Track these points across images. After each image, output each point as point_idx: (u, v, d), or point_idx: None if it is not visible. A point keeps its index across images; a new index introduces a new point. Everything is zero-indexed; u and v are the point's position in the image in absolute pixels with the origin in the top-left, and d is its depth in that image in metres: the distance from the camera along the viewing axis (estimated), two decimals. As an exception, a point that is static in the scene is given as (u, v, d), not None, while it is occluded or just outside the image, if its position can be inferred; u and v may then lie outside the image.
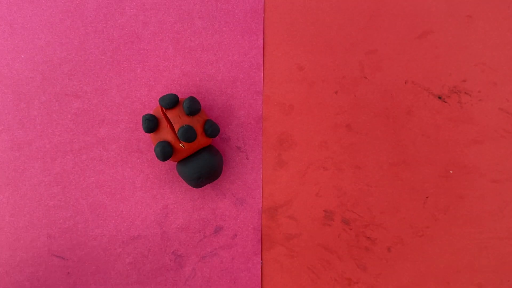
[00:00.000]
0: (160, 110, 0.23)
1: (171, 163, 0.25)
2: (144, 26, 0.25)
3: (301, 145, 0.25)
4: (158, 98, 0.22)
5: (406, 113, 0.25)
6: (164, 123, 0.22)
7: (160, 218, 0.25)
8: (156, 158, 0.25)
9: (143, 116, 0.22)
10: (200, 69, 0.25)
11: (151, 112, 0.24)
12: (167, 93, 0.24)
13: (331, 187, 0.25)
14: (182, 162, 0.23)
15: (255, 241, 0.25)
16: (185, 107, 0.22)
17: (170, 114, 0.22)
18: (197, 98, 0.25)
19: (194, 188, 0.25)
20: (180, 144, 0.22)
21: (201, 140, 0.23)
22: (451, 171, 0.25)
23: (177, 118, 0.22)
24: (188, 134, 0.22)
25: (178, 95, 0.24)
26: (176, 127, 0.22)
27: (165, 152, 0.22)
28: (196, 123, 0.23)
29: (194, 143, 0.23)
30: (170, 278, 0.24)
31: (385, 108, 0.25)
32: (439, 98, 0.25)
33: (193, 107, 0.22)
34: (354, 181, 0.25)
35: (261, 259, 0.25)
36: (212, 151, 0.23)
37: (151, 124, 0.22)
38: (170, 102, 0.22)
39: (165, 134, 0.22)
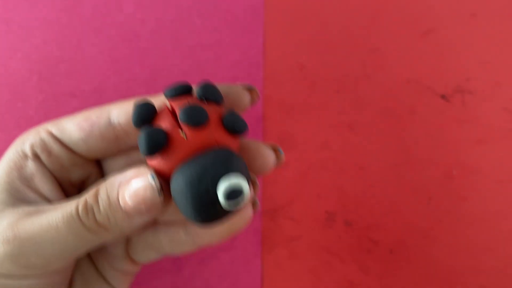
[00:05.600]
0: (164, 104, 0.16)
1: None
2: (142, 25, 0.25)
3: (302, 145, 0.25)
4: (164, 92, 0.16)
5: (409, 112, 0.25)
6: (164, 113, 0.15)
7: (158, 220, 0.25)
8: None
9: (134, 103, 0.16)
10: (199, 68, 0.25)
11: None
12: None
13: (332, 188, 0.25)
14: (181, 169, 0.14)
15: (255, 243, 0.24)
16: (197, 92, 0.15)
17: (176, 101, 0.15)
18: None
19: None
20: (180, 132, 0.14)
21: (214, 130, 0.14)
22: (454, 172, 0.25)
23: (185, 102, 0.15)
24: (194, 111, 0.14)
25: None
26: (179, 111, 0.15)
27: (153, 139, 0.14)
28: (212, 112, 0.15)
29: (204, 132, 0.14)
30: (169, 281, 0.24)
31: (388, 108, 0.25)
32: (443, 97, 0.25)
33: (210, 91, 0.15)
34: (356, 182, 0.25)
35: (261, 262, 0.25)
36: (235, 153, 0.14)
37: (143, 109, 0.15)
38: (180, 88, 0.16)
39: (161, 122, 0.15)
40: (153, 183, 0.14)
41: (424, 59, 0.25)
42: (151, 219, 0.15)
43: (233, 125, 0.15)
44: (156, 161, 0.14)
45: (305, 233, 0.25)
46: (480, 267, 0.24)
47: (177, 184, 0.13)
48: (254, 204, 0.18)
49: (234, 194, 0.13)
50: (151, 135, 0.14)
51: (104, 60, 0.25)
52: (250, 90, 0.17)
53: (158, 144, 0.14)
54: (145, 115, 0.15)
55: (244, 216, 0.17)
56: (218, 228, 0.18)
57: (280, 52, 0.25)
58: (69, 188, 0.19)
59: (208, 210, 0.13)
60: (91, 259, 0.20)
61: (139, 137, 0.14)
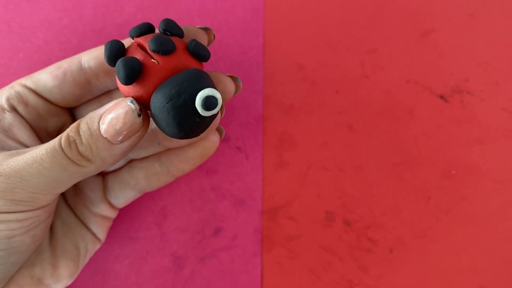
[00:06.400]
0: (132, 41, 0.17)
1: None
2: (143, 25, 0.25)
3: (301, 145, 0.25)
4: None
5: (408, 112, 0.25)
6: (132, 48, 0.16)
7: (158, 219, 0.25)
8: None
9: (105, 43, 0.16)
10: (200, 69, 0.25)
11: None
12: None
13: (332, 188, 0.25)
14: (159, 88, 0.15)
15: (255, 242, 0.25)
16: (160, 27, 0.17)
17: (142, 38, 0.16)
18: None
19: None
20: (152, 60, 0.16)
21: (182, 56, 0.16)
22: (453, 172, 0.25)
23: (150, 37, 0.16)
24: (162, 40, 0.15)
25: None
26: (147, 43, 0.16)
27: (130, 66, 0.15)
28: (177, 41, 0.16)
29: (173, 58, 0.16)
30: (169, 279, 0.24)
31: (387, 108, 0.25)
32: (441, 97, 0.25)
33: (172, 25, 0.17)
34: (355, 181, 0.25)
35: (261, 261, 0.25)
36: (204, 72, 0.16)
37: (114, 46, 0.16)
38: (142, 27, 0.17)
39: (133, 54, 0.16)
40: (132, 105, 0.15)
41: (423, 60, 0.25)
42: (132, 147, 0.16)
43: (198, 51, 0.16)
44: (132, 89, 0.16)
45: (304, 233, 0.25)
46: (480, 266, 0.25)
47: (157, 101, 0.15)
48: (220, 131, 0.21)
49: (210, 102, 0.15)
50: (128, 64, 0.15)
51: (105, 60, 0.25)
52: (206, 30, 0.19)
53: (135, 71, 0.15)
54: (116, 51, 0.16)
55: (213, 140, 0.20)
56: (190, 154, 0.20)
57: (280, 52, 0.25)
58: (45, 137, 0.20)
59: (188, 121, 0.15)
60: (70, 207, 0.21)
61: (117, 68, 0.15)
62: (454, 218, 0.25)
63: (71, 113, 0.21)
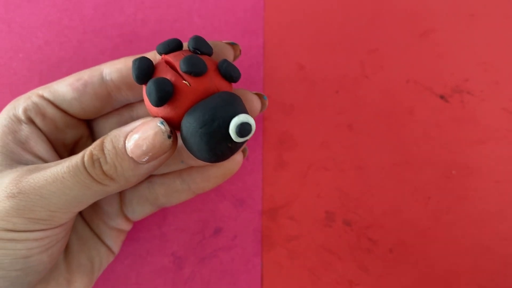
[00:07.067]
0: (160, 59, 0.17)
1: None
2: (143, 25, 0.25)
3: (302, 146, 0.25)
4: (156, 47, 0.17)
5: (408, 112, 0.25)
6: (162, 66, 0.16)
7: (158, 220, 0.25)
8: None
9: (133, 60, 0.16)
10: (200, 69, 0.25)
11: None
12: None
13: (332, 188, 0.25)
14: (192, 112, 0.15)
15: (255, 242, 0.25)
16: (189, 45, 0.16)
17: (171, 55, 0.16)
18: None
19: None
20: (184, 81, 0.15)
21: (214, 78, 0.16)
22: (453, 172, 0.25)
23: (180, 55, 0.16)
24: (194, 61, 0.15)
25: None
26: (178, 63, 0.15)
27: (162, 88, 0.15)
28: (207, 60, 0.16)
29: (205, 79, 0.15)
30: (169, 279, 0.24)
31: (387, 108, 0.25)
32: (441, 97, 0.25)
33: (202, 43, 0.16)
34: (355, 182, 0.25)
35: (261, 261, 0.25)
36: (237, 95, 0.16)
37: (143, 64, 0.15)
38: (171, 44, 0.16)
39: (163, 75, 0.15)
40: (162, 127, 0.15)
41: (423, 60, 0.25)
42: (157, 167, 0.16)
43: (230, 72, 0.16)
44: (162, 110, 0.15)
45: (304, 233, 0.25)
46: (479, 266, 0.25)
47: (190, 125, 0.15)
48: (243, 150, 0.20)
49: (244, 129, 0.15)
50: (160, 86, 0.15)
51: (105, 60, 0.25)
52: (233, 45, 0.19)
53: (167, 94, 0.15)
54: (146, 69, 0.15)
55: (237, 160, 0.20)
56: (213, 173, 0.20)
57: (280, 52, 0.25)
58: (62, 149, 0.19)
59: (220, 146, 0.15)
60: (85, 220, 0.20)
61: (148, 89, 0.15)
62: (454, 218, 0.25)
63: (89, 124, 0.20)
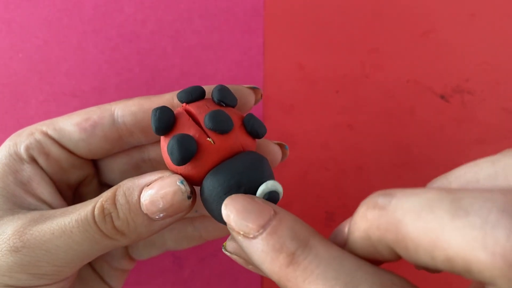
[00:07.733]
0: (181, 109, 0.16)
1: None
2: (143, 25, 0.25)
3: (302, 145, 0.25)
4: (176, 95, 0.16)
5: (408, 112, 0.25)
6: (184, 119, 0.15)
7: (159, 219, 0.25)
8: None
9: (153, 109, 0.15)
10: (200, 69, 0.25)
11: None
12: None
13: (332, 188, 0.25)
14: (215, 174, 0.14)
15: (255, 242, 0.24)
16: (214, 96, 0.15)
17: (194, 106, 0.15)
18: None
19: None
20: (208, 139, 0.14)
21: (240, 137, 0.15)
22: (453, 172, 0.25)
23: (204, 107, 0.15)
24: (221, 119, 0.14)
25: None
26: (202, 117, 0.15)
27: (186, 148, 0.14)
28: (232, 114, 0.15)
29: (230, 138, 0.14)
30: (169, 279, 0.24)
31: (387, 108, 0.25)
32: (442, 97, 0.25)
33: (227, 95, 0.15)
34: (356, 182, 0.25)
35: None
36: (263, 156, 0.15)
37: (165, 116, 0.15)
38: (193, 93, 0.15)
39: (186, 129, 0.14)
40: (182, 187, 0.14)
41: (423, 59, 0.25)
42: (171, 223, 0.15)
43: (256, 129, 0.15)
44: (183, 168, 0.14)
45: (304, 233, 0.25)
46: (479, 266, 0.25)
47: (213, 189, 0.14)
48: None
49: (272, 197, 0.14)
50: (185, 145, 0.14)
51: (105, 60, 0.25)
52: (255, 90, 0.18)
53: (191, 153, 0.14)
54: (167, 122, 0.15)
55: None
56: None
57: (280, 52, 0.25)
58: (66, 189, 0.18)
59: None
60: (89, 262, 0.20)
61: (171, 148, 0.14)
62: (454, 218, 0.25)
63: (95, 163, 0.19)
